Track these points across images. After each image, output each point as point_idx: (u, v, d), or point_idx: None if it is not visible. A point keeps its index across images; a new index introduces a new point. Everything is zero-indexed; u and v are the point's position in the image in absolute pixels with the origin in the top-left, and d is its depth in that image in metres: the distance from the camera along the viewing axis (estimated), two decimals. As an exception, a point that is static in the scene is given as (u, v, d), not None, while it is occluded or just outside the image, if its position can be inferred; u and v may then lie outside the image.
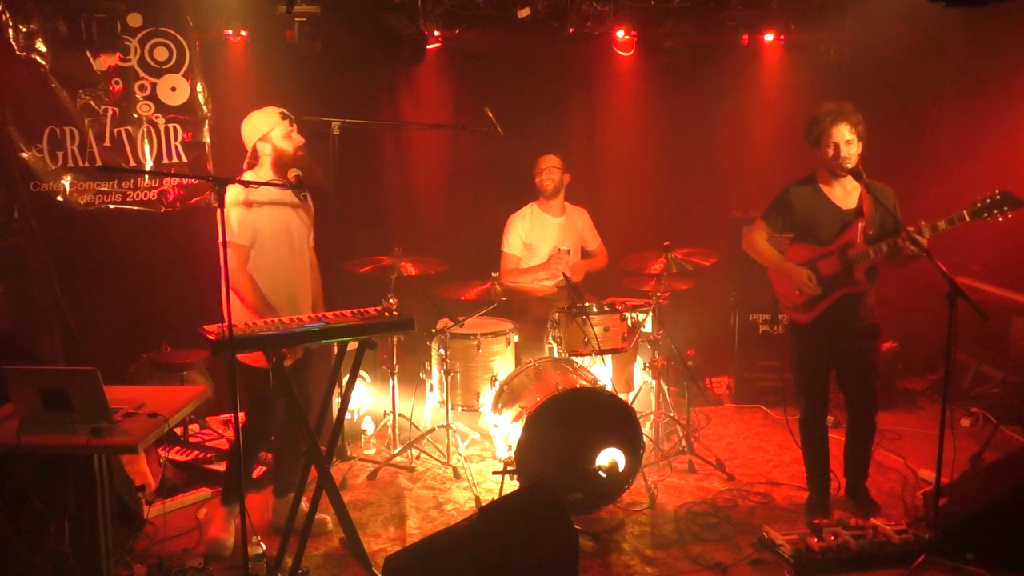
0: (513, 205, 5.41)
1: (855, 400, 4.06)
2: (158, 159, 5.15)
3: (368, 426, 5.10)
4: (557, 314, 4.64)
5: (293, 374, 3.77)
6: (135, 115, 5.08)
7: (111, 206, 5.10)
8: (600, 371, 4.68)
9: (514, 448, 3.99)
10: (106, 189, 5.07)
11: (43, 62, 4.85)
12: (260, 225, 3.63)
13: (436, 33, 5.49)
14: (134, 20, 4.98)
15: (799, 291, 3.91)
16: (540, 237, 5.27)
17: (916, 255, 3.66)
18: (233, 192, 3.53)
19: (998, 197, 3.55)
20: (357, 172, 5.58)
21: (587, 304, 4.50)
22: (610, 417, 4.07)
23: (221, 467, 4.45)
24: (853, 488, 4.15)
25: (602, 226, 5.54)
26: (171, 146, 5.17)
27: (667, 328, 4.83)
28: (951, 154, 6.13)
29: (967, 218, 3.61)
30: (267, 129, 3.68)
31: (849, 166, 3.77)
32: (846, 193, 3.89)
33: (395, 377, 4.80)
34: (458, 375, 4.76)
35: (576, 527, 3.38)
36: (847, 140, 3.76)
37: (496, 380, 4.65)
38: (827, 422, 4.16)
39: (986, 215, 3.58)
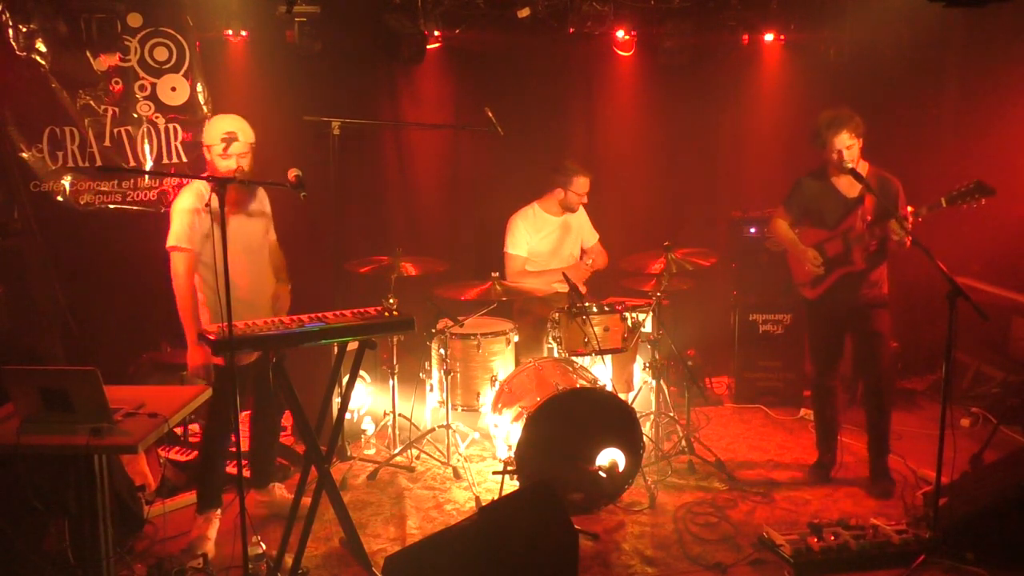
0: (513, 205, 5.40)
1: (865, 366, 4.39)
2: (158, 159, 5.15)
3: (368, 426, 5.10)
4: (557, 314, 4.64)
5: (260, 374, 3.81)
6: (135, 115, 5.08)
7: (111, 206, 5.11)
8: (600, 371, 4.68)
9: (514, 448, 3.99)
10: (106, 189, 5.08)
11: (43, 62, 4.85)
12: (211, 231, 3.58)
13: (436, 33, 5.49)
14: (134, 20, 4.99)
15: (808, 270, 4.29)
16: (542, 239, 5.26)
17: (905, 240, 3.92)
18: (184, 199, 3.59)
19: (971, 186, 3.84)
20: (357, 172, 5.57)
21: (587, 304, 4.50)
22: (610, 417, 4.07)
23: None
24: (874, 463, 4.39)
25: (602, 226, 5.53)
26: (171, 146, 5.18)
27: (667, 328, 4.83)
28: (951, 154, 6.12)
29: (943, 204, 3.92)
30: (208, 141, 3.66)
31: (849, 167, 4.04)
32: (851, 183, 4.17)
33: (395, 377, 4.80)
34: (458, 375, 4.76)
35: (576, 527, 3.38)
36: (848, 145, 4.08)
37: (496, 380, 4.65)
38: (835, 387, 4.49)
39: (960, 202, 3.86)
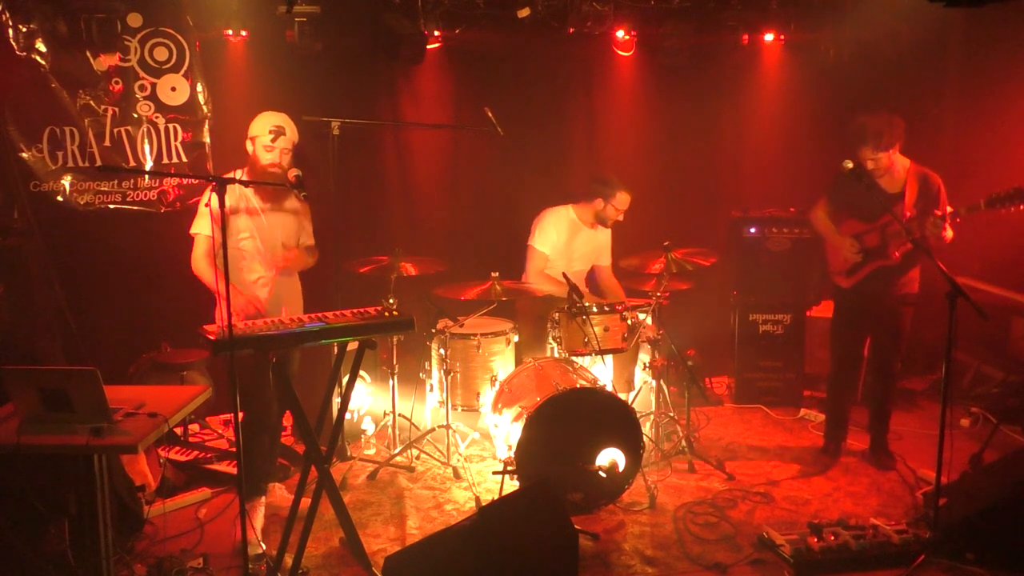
0: (513, 204, 5.39)
1: (876, 357, 4.63)
2: (158, 159, 5.15)
3: (368, 426, 5.10)
4: (557, 314, 4.63)
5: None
6: (135, 115, 5.08)
7: (111, 206, 5.10)
8: (600, 371, 4.68)
9: (514, 448, 3.99)
10: (106, 189, 5.07)
11: (43, 62, 4.85)
12: (234, 227, 3.83)
13: (436, 33, 5.49)
14: (134, 20, 4.98)
15: (845, 258, 4.43)
16: (564, 244, 5.19)
17: (940, 238, 4.07)
18: (206, 198, 3.77)
19: (1012, 191, 3.88)
20: (357, 172, 5.57)
21: (587, 304, 4.49)
22: (610, 417, 4.07)
23: (221, 467, 4.46)
24: (873, 443, 4.67)
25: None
26: (171, 146, 5.17)
27: (667, 328, 4.83)
28: (951, 154, 6.12)
29: (983, 206, 3.98)
30: (255, 132, 3.84)
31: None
32: (892, 179, 4.33)
33: (395, 377, 4.80)
34: (458, 375, 4.76)
35: (576, 527, 3.39)
36: (872, 158, 4.23)
37: (496, 380, 4.65)
38: (853, 381, 4.81)
39: (999, 206, 3.94)
